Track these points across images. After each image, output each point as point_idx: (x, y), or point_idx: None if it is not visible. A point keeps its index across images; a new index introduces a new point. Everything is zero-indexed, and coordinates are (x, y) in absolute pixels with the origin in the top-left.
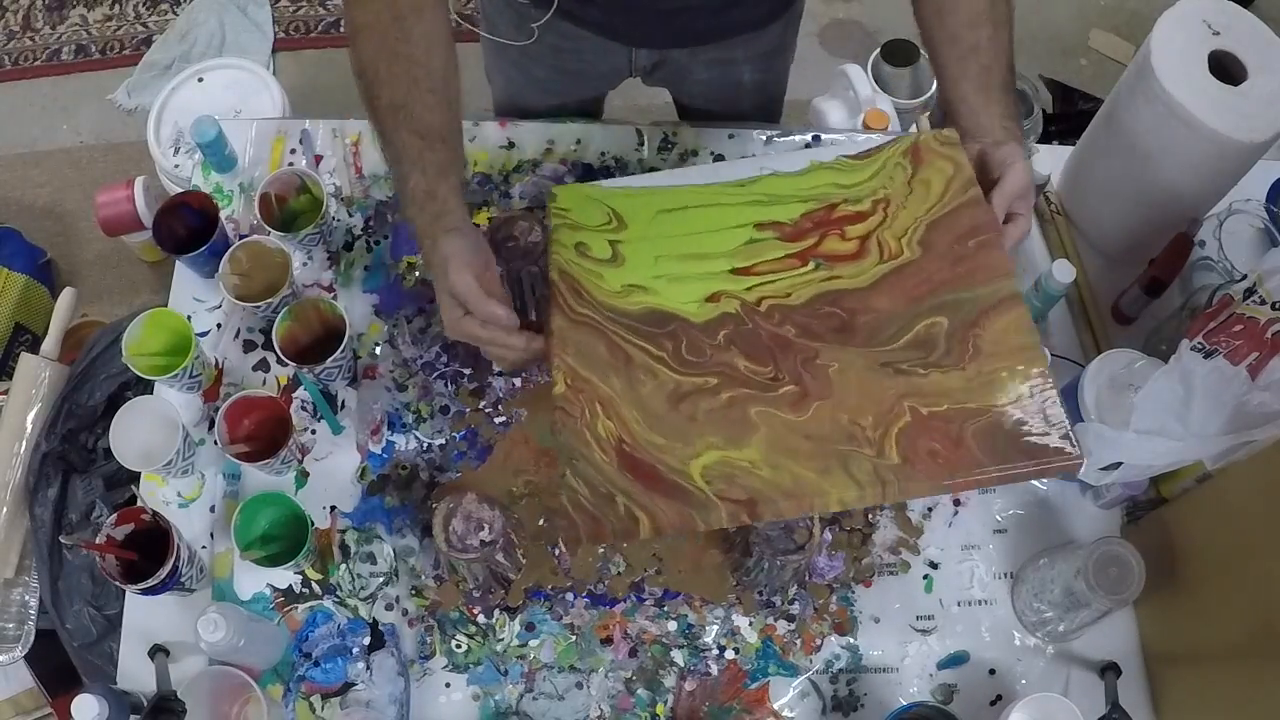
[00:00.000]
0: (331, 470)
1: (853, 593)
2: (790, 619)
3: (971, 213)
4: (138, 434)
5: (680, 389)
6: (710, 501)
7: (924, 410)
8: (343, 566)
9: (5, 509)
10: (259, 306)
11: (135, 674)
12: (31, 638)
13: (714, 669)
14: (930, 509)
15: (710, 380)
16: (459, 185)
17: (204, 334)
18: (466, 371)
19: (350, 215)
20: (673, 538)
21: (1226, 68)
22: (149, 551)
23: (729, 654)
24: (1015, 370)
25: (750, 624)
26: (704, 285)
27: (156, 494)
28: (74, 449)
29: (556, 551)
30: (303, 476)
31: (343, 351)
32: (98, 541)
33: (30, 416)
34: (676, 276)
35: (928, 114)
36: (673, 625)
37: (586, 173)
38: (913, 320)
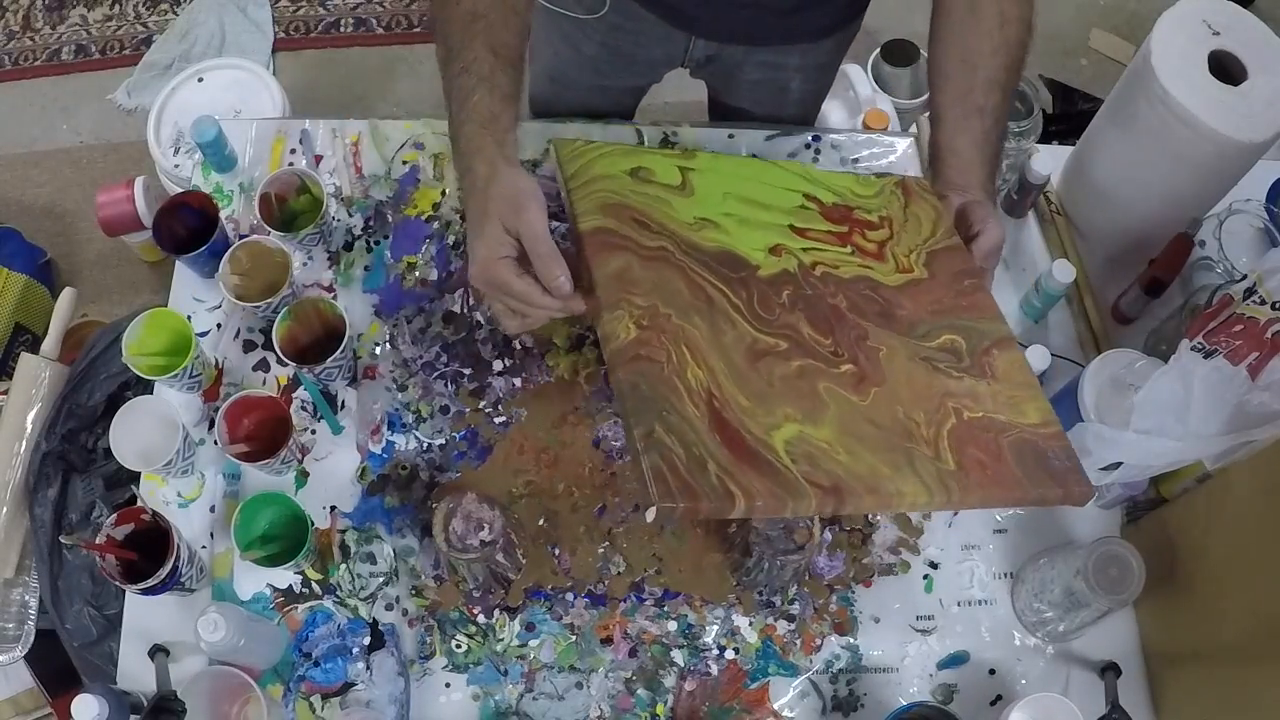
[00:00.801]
0: (331, 470)
1: (853, 593)
2: (790, 619)
3: (959, 256)
4: (138, 434)
5: (757, 345)
6: (799, 485)
7: (965, 414)
8: (343, 566)
9: (5, 509)
10: (259, 306)
11: (135, 674)
12: (31, 638)
13: (714, 669)
14: None
15: (781, 343)
16: (517, 120)
17: (204, 334)
18: (466, 371)
19: (350, 215)
20: (667, 522)
21: (1226, 68)
22: (149, 551)
23: (729, 654)
24: (1028, 400)
25: (750, 624)
26: (767, 235)
27: (156, 494)
28: (74, 449)
29: (556, 551)
30: (303, 476)
31: (343, 351)
32: (98, 541)
33: (30, 416)
34: (744, 219)
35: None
36: (673, 625)
37: None
38: (937, 330)
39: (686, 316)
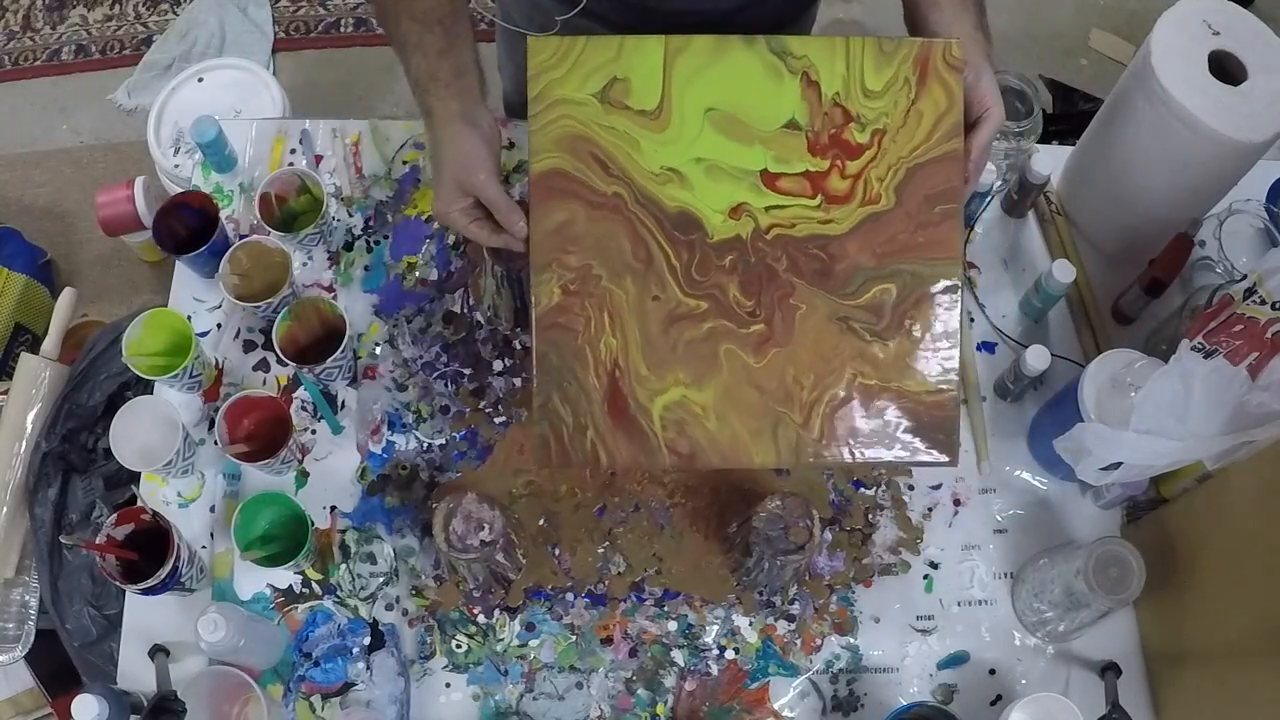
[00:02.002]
0: (331, 470)
1: (853, 593)
2: (790, 619)
3: (945, 170)
4: (138, 434)
5: (678, 310)
6: (659, 449)
7: (858, 380)
8: (343, 566)
9: (5, 509)
10: (259, 306)
11: (135, 674)
12: (31, 638)
13: (714, 669)
14: (930, 509)
15: (702, 304)
16: (464, 68)
17: (204, 334)
18: (466, 371)
19: (350, 215)
20: (666, 523)
21: (1226, 68)
22: (149, 551)
23: (729, 654)
24: (932, 361)
25: (750, 624)
26: (735, 189)
27: (156, 494)
28: (74, 449)
29: (556, 551)
30: (303, 476)
31: (343, 351)
32: (98, 541)
33: (30, 416)
34: (713, 166)
35: None
36: (673, 625)
37: None
38: (873, 280)
39: (618, 278)
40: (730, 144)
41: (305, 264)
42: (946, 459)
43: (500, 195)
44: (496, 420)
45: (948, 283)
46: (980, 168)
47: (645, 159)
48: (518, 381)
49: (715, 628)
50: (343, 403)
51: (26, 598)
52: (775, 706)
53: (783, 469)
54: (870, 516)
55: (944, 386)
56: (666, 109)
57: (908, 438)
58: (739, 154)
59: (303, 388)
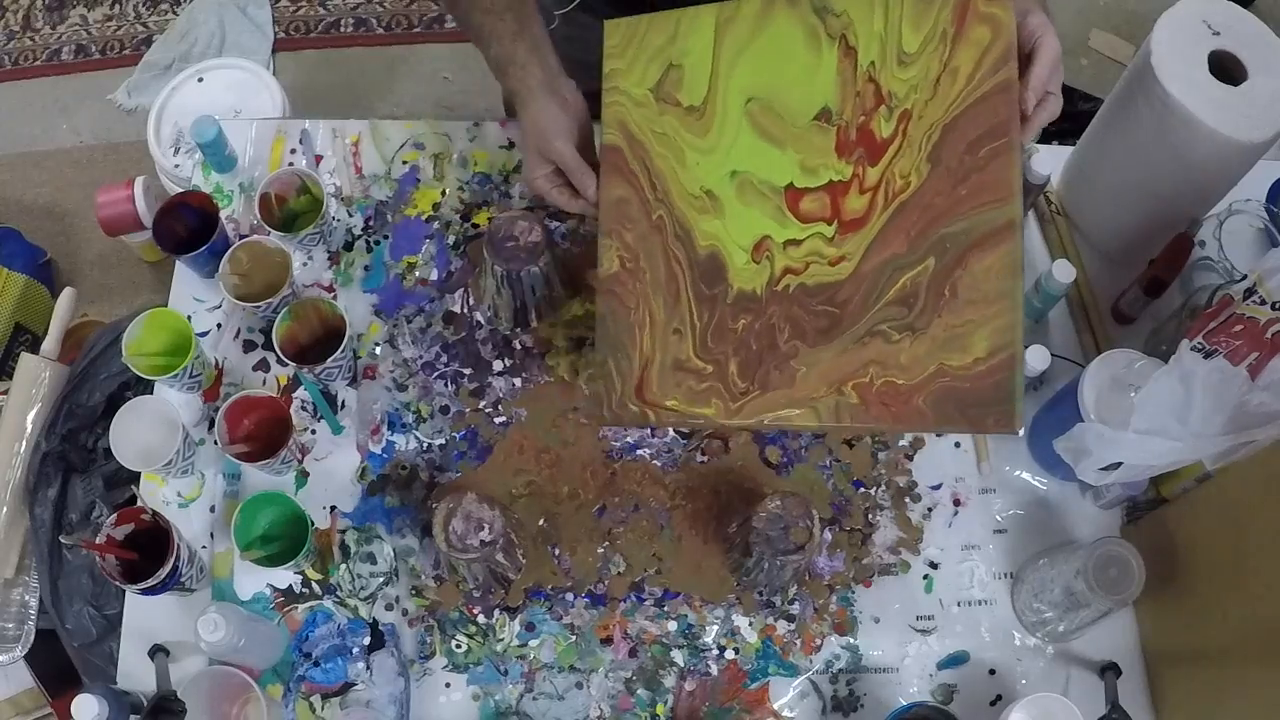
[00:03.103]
0: (331, 470)
1: (853, 593)
2: (790, 619)
3: (994, 106)
4: (138, 434)
5: (685, 362)
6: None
7: (878, 381)
8: (343, 566)
9: (5, 509)
10: (259, 306)
11: (135, 674)
12: (31, 638)
13: (714, 669)
14: (930, 509)
15: (707, 368)
16: (537, 44)
17: (204, 334)
18: (466, 371)
19: (350, 215)
20: (666, 523)
21: (1226, 68)
22: (149, 551)
23: (729, 654)
24: (982, 324)
25: (750, 624)
26: (760, 216)
27: (156, 494)
28: (74, 449)
29: (556, 551)
30: (303, 476)
31: (343, 351)
32: (98, 541)
33: (30, 416)
34: (747, 180)
35: None
36: (673, 625)
37: None
38: (900, 271)
39: (656, 289)
40: (764, 147)
41: (305, 264)
42: (1009, 428)
43: (573, 157)
44: (496, 420)
45: (1001, 224)
46: (1039, 99)
47: (687, 177)
48: (518, 382)
49: (715, 628)
50: (343, 403)
51: (26, 598)
52: (775, 706)
53: (782, 468)
54: (870, 516)
55: (997, 351)
56: (711, 103)
57: (955, 414)
58: (770, 162)
59: (303, 388)
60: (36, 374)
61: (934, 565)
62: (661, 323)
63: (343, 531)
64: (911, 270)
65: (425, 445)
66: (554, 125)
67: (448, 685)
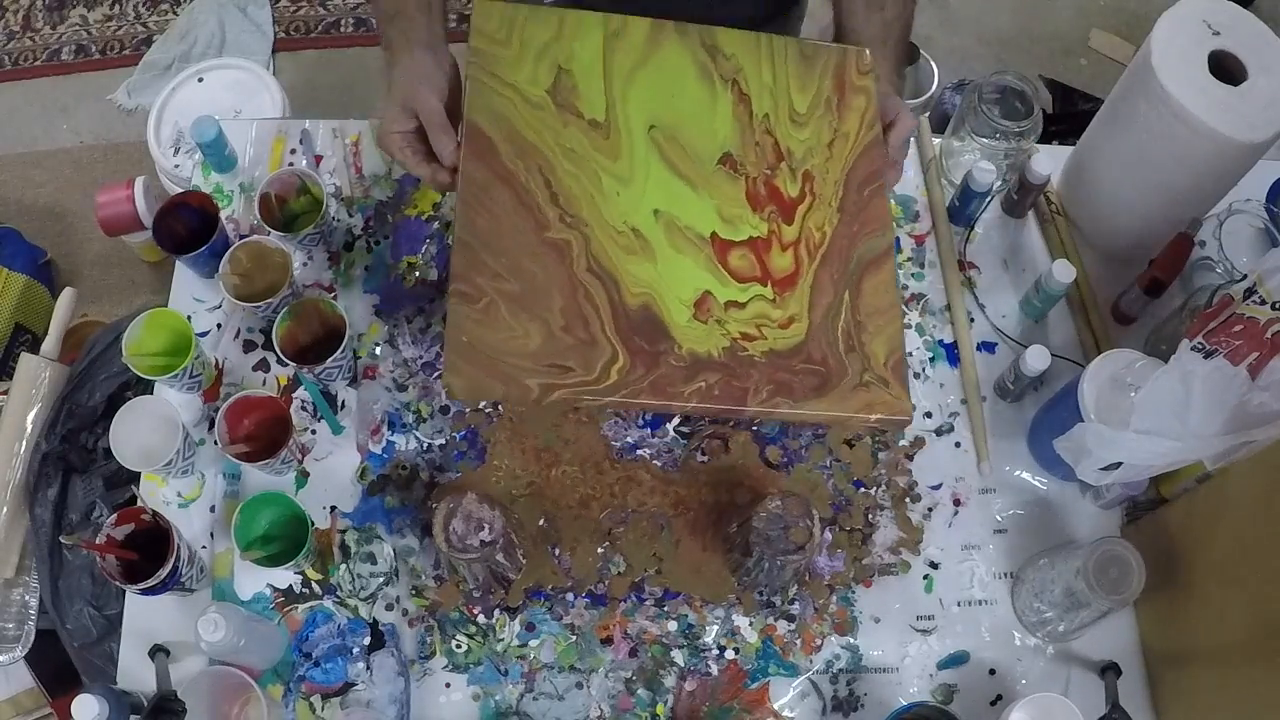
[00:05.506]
0: (331, 470)
1: (853, 593)
2: (790, 619)
3: (869, 156)
4: (138, 434)
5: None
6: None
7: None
8: (343, 566)
9: (5, 509)
10: (259, 306)
11: (135, 674)
12: (31, 638)
13: (714, 669)
14: (930, 509)
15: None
16: (430, 5)
17: (204, 334)
18: None
19: (350, 215)
20: (666, 523)
21: (1226, 68)
22: (149, 551)
23: (729, 654)
24: (878, 333)
25: (750, 624)
26: (694, 267)
27: (156, 494)
28: (74, 449)
29: (556, 551)
30: (303, 476)
31: (343, 351)
32: (98, 541)
33: (30, 416)
34: (672, 222)
35: (927, 114)
36: (673, 625)
37: None
38: (836, 319)
39: (530, 310)
40: (679, 185)
41: (305, 264)
42: (903, 420)
43: (438, 113)
44: (497, 421)
45: (881, 251)
46: (901, 158)
47: (609, 209)
48: None
49: (715, 628)
50: (343, 403)
51: (26, 598)
52: (775, 706)
53: (782, 468)
54: (870, 516)
55: (892, 354)
56: (613, 122)
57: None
58: (690, 206)
59: (303, 388)
60: (36, 374)
61: (934, 565)
62: (537, 350)
63: (343, 531)
64: (840, 314)
65: (425, 445)
66: (426, 79)
67: (448, 685)
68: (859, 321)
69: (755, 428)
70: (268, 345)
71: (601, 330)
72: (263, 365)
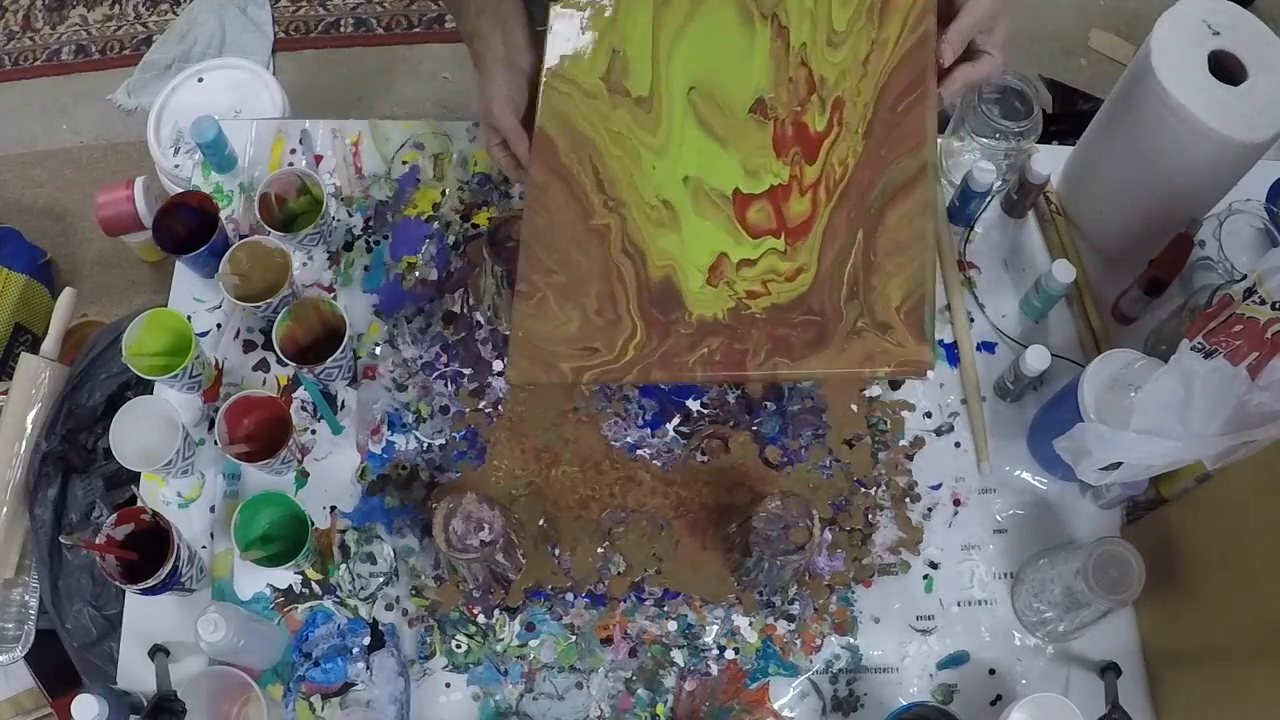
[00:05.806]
0: (331, 470)
1: (853, 593)
2: (790, 619)
3: (911, 61)
4: (138, 434)
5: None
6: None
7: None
8: (343, 566)
9: (5, 509)
10: (259, 306)
11: (135, 674)
12: (31, 638)
13: (714, 669)
14: (930, 509)
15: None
16: (503, 20)
17: (204, 334)
18: (466, 371)
19: (350, 215)
20: (666, 523)
21: (1226, 68)
22: (149, 551)
23: (729, 654)
24: (897, 272)
25: (750, 624)
26: (714, 230)
27: (156, 494)
28: (74, 449)
29: (556, 551)
30: (303, 476)
31: (343, 351)
32: (98, 541)
33: (30, 416)
34: (699, 186)
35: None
36: (673, 625)
37: None
38: (844, 263)
39: (568, 315)
40: (710, 146)
41: (305, 264)
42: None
43: (512, 126)
44: (496, 420)
45: (912, 173)
46: (957, 50)
47: (645, 184)
48: None
49: (715, 628)
50: (343, 403)
51: (26, 598)
52: (775, 706)
53: (782, 468)
54: (870, 516)
55: (910, 296)
56: (656, 94)
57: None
58: (718, 165)
59: (303, 388)
60: (36, 374)
61: (934, 565)
62: (573, 336)
63: (343, 531)
64: (850, 257)
65: (425, 445)
66: (500, 95)
67: (448, 685)
68: (872, 262)
69: (755, 428)
70: (268, 345)
71: (627, 309)
72: (262, 365)
